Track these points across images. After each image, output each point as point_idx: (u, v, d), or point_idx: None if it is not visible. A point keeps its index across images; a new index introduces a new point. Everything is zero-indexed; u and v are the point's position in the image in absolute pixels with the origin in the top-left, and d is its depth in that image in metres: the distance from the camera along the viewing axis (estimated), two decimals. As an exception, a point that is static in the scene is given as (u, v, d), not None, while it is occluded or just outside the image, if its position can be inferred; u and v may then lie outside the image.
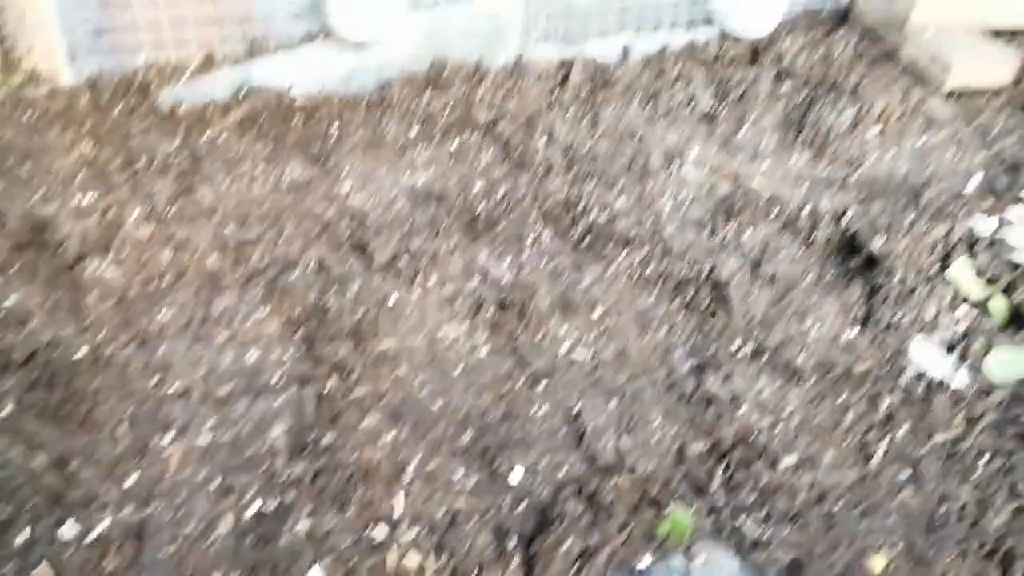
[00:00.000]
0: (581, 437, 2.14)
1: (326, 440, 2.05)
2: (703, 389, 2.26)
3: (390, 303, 2.47)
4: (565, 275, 2.65)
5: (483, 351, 2.42)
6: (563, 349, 2.41)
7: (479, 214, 2.87)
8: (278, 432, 2.10)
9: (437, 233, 2.81)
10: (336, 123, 3.31)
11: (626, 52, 3.85)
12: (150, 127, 3.16)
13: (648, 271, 2.66)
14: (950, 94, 3.66)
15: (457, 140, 3.29)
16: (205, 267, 2.58)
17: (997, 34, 3.87)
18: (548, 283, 2.59)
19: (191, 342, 2.35)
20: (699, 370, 2.34)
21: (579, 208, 2.86)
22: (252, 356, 2.33)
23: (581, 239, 2.81)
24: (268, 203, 2.87)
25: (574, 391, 2.28)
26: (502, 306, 2.53)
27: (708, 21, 3.97)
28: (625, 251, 2.73)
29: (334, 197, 2.94)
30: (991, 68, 3.67)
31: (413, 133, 3.32)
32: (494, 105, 3.40)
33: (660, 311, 2.57)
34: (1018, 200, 2.96)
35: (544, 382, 2.30)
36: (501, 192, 2.96)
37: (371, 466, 1.98)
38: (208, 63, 3.40)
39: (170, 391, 2.19)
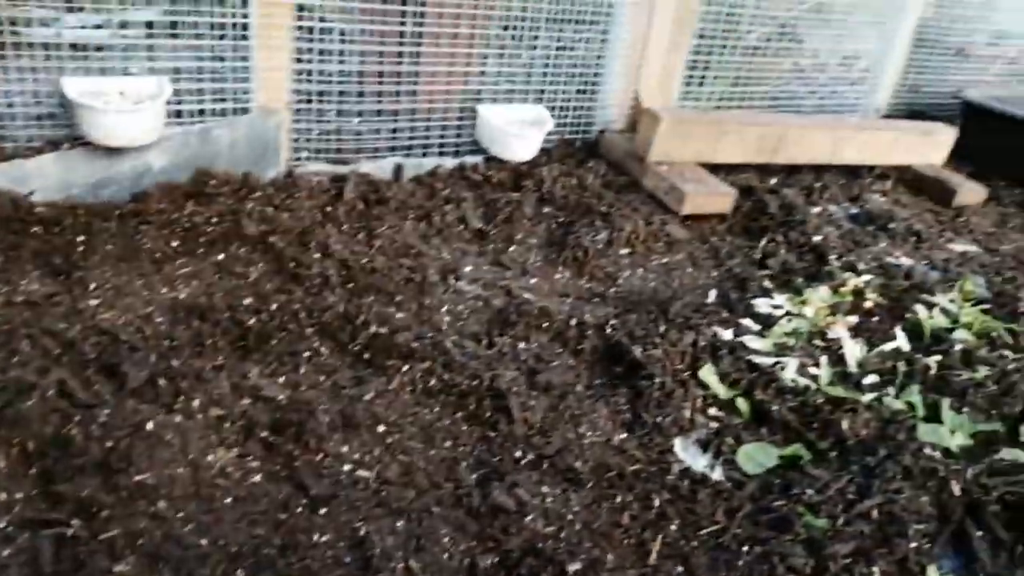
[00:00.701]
0: (368, 563, 2.01)
1: (67, 594, 1.75)
2: (490, 500, 2.24)
3: (146, 430, 2.22)
4: (345, 391, 2.56)
5: (256, 477, 2.23)
6: (345, 469, 2.29)
7: (249, 330, 2.71)
8: (3, 591, 1.76)
9: (201, 351, 2.61)
10: (83, 234, 3.01)
11: (399, 171, 3.95)
12: None
13: (431, 383, 2.65)
14: (686, 219, 4.15)
15: (224, 253, 3.13)
16: (-91, 397, 2.17)
17: (713, 169, 4.50)
18: (327, 400, 2.48)
19: None
20: (485, 481, 2.33)
21: (358, 322, 2.81)
22: (-31, 501, 1.96)
23: (361, 353, 2.75)
24: (-4, 321, 2.51)
25: (358, 514, 2.16)
26: (277, 427, 2.37)
27: (475, 146, 4.21)
28: (407, 364, 2.70)
29: (79, 313, 2.64)
30: (717, 198, 4.25)
31: (173, 245, 3.11)
32: (264, 218, 3.30)
33: (444, 424, 2.54)
34: (748, 310, 3.37)
35: (325, 507, 2.16)
36: (273, 306, 2.83)
37: (124, 620, 1.72)
38: (-76, 164, 2.99)
39: None
